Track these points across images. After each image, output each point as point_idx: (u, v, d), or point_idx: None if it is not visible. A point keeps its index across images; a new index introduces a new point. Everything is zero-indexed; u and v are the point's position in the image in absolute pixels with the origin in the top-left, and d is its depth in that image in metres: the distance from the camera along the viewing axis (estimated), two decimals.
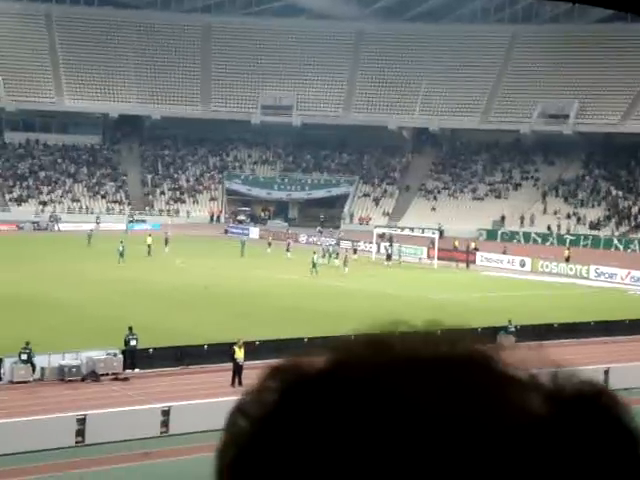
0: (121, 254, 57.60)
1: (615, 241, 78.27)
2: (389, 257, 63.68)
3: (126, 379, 30.58)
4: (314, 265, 55.80)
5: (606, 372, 32.47)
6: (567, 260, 63.73)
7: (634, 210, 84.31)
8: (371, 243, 67.83)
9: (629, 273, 58.86)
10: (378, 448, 0.85)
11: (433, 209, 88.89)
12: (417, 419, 0.84)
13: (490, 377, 0.88)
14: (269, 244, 67.93)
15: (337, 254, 62.65)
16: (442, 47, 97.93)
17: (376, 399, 0.85)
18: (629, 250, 75.85)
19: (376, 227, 72.99)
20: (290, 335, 32.68)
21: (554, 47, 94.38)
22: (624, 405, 0.91)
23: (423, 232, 70.22)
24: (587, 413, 0.88)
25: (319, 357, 0.90)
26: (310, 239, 73.63)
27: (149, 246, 61.93)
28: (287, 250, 64.76)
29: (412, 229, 71.88)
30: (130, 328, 31.82)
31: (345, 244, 69.52)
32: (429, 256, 65.34)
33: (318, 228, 79.39)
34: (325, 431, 0.86)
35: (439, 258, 63.53)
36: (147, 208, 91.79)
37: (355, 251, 65.61)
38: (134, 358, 31.26)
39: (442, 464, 0.84)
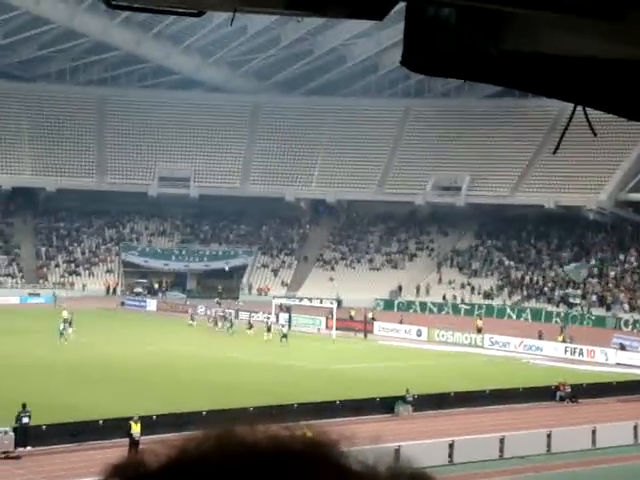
0: (61, 333, 55.00)
1: (508, 310, 79.92)
2: (269, 329, 60.32)
3: (18, 457, 29.76)
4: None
5: (501, 440, 32.98)
6: (479, 331, 63.11)
7: (525, 280, 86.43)
8: (270, 314, 67.70)
9: (522, 342, 60.12)
10: None
11: (331, 279, 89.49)
12: None
13: (328, 471, 0.94)
14: (250, 325, 63.17)
15: (232, 323, 62.87)
16: (338, 120, 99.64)
17: None
18: (522, 319, 77.49)
19: (274, 298, 73.02)
20: (188, 409, 32.39)
21: (446, 121, 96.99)
22: None
23: (321, 302, 70.54)
24: None
25: (163, 453, 0.98)
26: (208, 311, 73.12)
27: (64, 320, 57.21)
28: (191, 319, 67.36)
29: (310, 299, 72.19)
30: (24, 405, 31.10)
31: (244, 315, 69.13)
32: (327, 326, 65.60)
33: (216, 299, 79.00)
34: None
35: (337, 328, 63.81)
36: (41, 281, 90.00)
37: (251, 326, 62.84)
38: (26, 435, 30.51)
39: None
